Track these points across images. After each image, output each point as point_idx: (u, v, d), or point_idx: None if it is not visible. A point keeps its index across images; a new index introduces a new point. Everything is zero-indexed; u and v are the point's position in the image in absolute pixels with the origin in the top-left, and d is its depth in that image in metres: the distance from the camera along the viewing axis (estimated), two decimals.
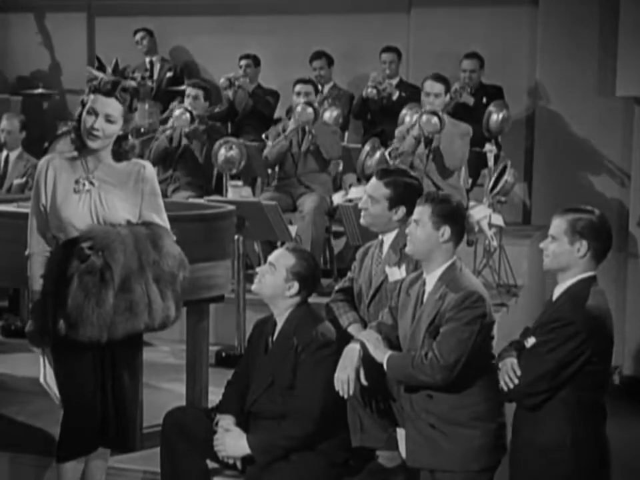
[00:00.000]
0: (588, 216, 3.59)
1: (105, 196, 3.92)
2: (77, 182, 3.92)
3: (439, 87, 6.61)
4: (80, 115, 3.92)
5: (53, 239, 3.94)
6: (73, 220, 3.87)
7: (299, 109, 6.85)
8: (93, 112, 3.86)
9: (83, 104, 3.92)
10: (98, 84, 3.88)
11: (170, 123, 7.27)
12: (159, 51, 9.37)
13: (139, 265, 3.86)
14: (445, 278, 3.80)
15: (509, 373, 3.57)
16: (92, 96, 3.88)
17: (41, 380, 4.01)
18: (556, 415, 3.52)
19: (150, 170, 4.04)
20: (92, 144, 3.90)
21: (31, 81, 9.77)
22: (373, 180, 4.42)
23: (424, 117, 6.36)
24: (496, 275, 6.68)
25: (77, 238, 3.85)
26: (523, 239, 7.45)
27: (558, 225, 3.60)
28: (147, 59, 9.27)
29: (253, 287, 4.22)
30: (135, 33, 9.28)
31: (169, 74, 9.20)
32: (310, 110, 6.81)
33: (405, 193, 4.32)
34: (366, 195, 4.41)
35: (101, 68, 3.96)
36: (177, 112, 7.16)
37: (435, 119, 6.32)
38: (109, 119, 3.87)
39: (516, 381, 3.55)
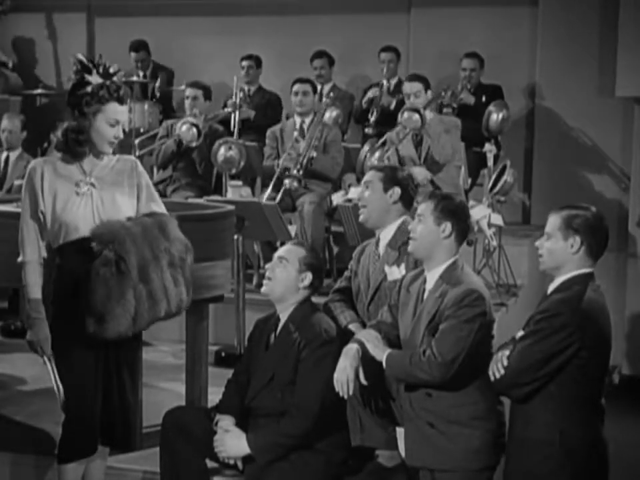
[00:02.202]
0: (583, 212, 3.58)
1: (106, 196, 3.94)
2: (77, 185, 3.93)
3: (417, 86, 6.64)
4: (86, 126, 3.90)
5: (47, 245, 3.96)
6: (77, 223, 3.88)
7: (405, 115, 6.48)
8: (116, 123, 3.91)
9: (86, 112, 3.89)
10: (115, 92, 3.90)
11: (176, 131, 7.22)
12: (156, 55, 9.31)
13: (152, 254, 3.91)
14: (446, 276, 3.81)
15: (497, 363, 3.56)
16: (108, 105, 3.89)
17: (55, 387, 3.99)
18: (546, 409, 3.51)
19: (140, 164, 4.12)
20: (109, 149, 3.96)
21: (30, 81, 9.77)
22: (367, 173, 4.59)
23: (405, 114, 6.41)
24: (495, 275, 6.69)
25: (79, 240, 3.87)
26: (523, 239, 7.45)
27: (553, 221, 3.60)
28: (142, 73, 9.17)
29: (263, 289, 4.21)
30: (131, 49, 9.06)
31: (158, 82, 9.09)
32: (416, 117, 6.47)
33: (397, 175, 4.49)
34: (361, 186, 4.54)
35: (86, 69, 3.94)
36: (183, 128, 7.10)
37: (416, 116, 6.36)
38: (123, 124, 3.95)
39: (502, 372, 3.55)
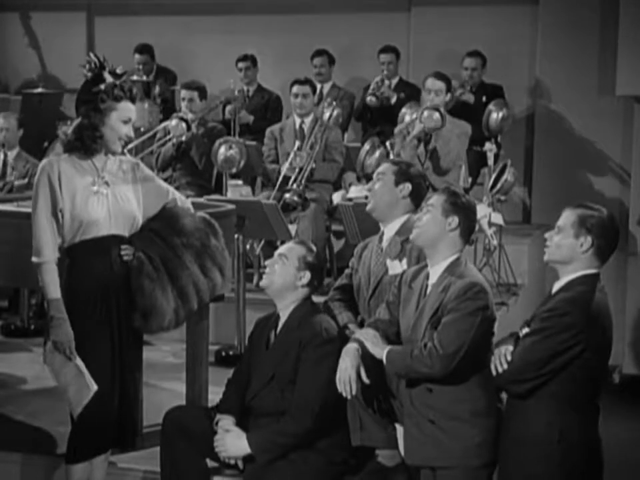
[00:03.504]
0: (598, 214, 3.60)
1: (119, 193, 3.98)
2: (93, 184, 3.95)
3: (440, 85, 6.62)
4: (100, 123, 3.93)
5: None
6: (95, 222, 3.91)
7: (425, 113, 6.38)
8: (129, 120, 3.97)
9: (101, 109, 3.93)
10: (128, 91, 3.95)
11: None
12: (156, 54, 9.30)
13: (173, 253, 4.02)
14: (450, 271, 3.81)
15: (500, 358, 3.57)
16: (122, 103, 3.94)
17: (93, 388, 3.93)
18: (546, 408, 3.52)
19: (142, 163, 4.20)
20: (119, 148, 4.00)
21: (30, 81, 9.77)
22: (381, 165, 4.59)
23: (425, 112, 6.35)
24: (496, 274, 6.69)
25: (93, 239, 3.90)
26: (523, 238, 7.46)
27: (567, 216, 3.60)
28: (144, 77, 9.15)
29: (262, 282, 4.22)
30: (136, 51, 9.05)
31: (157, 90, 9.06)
32: (437, 116, 6.36)
33: (411, 171, 4.50)
34: (374, 177, 4.52)
35: (102, 67, 3.98)
36: (173, 122, 7.12)
37: (436, 115, 6.31)
38: (133, 123, 4.02)
39: (505, 366, 3.55)
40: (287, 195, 6.58)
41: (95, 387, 3.89)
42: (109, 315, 3.96)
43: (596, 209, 3.63)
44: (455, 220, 3.84)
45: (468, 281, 3.72)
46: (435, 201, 3.89)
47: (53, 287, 3.88)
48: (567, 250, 3.58)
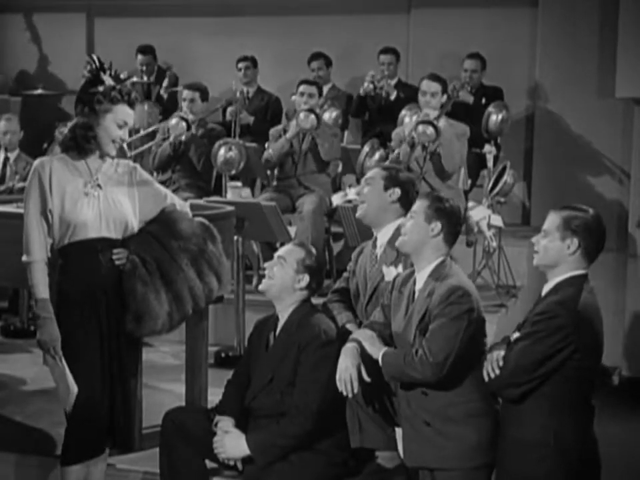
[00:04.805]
0: (583, 214, 3.58)
1: (112, 197, 3.97)
2: (84, 185, 3.94)
3: (435, 86, 6.60)
4: (95, 124, 3.93)
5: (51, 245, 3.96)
6: (85, 224, 3.90)
7: (301, 116, 6.79)
8: (124, 124, 3.96)
9: (96, 110, 3.93)
10: (126, 95, 3.95)
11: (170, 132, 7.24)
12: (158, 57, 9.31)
13: (169, 256, 4.00)
14: (435, 275, 3.81)
15: (493, 363, 3.58)
16: (118, 106, 3.94)
17: (74, 390, 3.94)
18: (540, 410, 3.52)
19: (139, 167, 4.17)
20: (113, 151, 3.98)
21: (30, 82, 9.78)
22: (371, 170, 4.60)
23: (419, 127, 6.32)
24: (495, 276, 6.69)
25: (85, 241, 3.89)
26: (522, 240, 7.44)
27: (552, 220, 3.60)
28: (145, 77, 9.17)
29: (261, 286, 4.22)
30: (139, 51, 9.08)
31: (165, 82, 9.09)
32: (312, 117, 6.77)
33: (400, 176, 4.48)
34: (362, 182, 4.53)
35: (101, 69, 3.98)
36: (172, 121, 7.13)
37: (430, 129, 6.27)
38: (129, 127, 4.02)
39: (497, 372, 3.55)
40: (302, 115, 6.72)
41: (75, 390, 3.90)
42: (98, 317, 3.95)
43: (580, 209, 3.62)
44: (437, 225, 3.84)
45: (450, 285, 3.72)
46: (418, 207, 3.90)
47: (42, 287, 3.89)
48: (555, 253, 3.58)
